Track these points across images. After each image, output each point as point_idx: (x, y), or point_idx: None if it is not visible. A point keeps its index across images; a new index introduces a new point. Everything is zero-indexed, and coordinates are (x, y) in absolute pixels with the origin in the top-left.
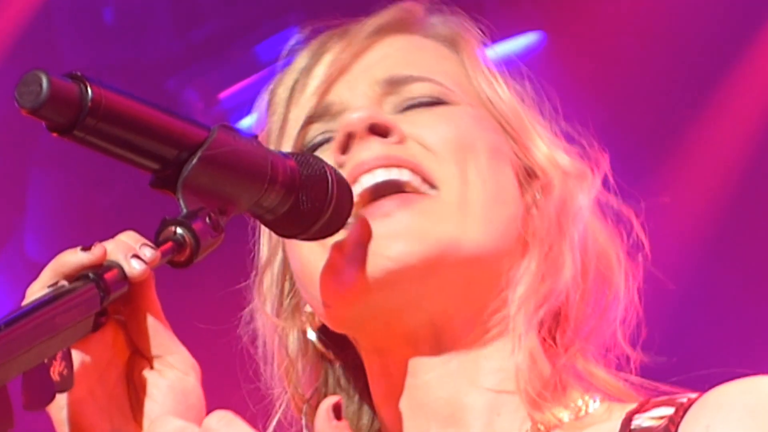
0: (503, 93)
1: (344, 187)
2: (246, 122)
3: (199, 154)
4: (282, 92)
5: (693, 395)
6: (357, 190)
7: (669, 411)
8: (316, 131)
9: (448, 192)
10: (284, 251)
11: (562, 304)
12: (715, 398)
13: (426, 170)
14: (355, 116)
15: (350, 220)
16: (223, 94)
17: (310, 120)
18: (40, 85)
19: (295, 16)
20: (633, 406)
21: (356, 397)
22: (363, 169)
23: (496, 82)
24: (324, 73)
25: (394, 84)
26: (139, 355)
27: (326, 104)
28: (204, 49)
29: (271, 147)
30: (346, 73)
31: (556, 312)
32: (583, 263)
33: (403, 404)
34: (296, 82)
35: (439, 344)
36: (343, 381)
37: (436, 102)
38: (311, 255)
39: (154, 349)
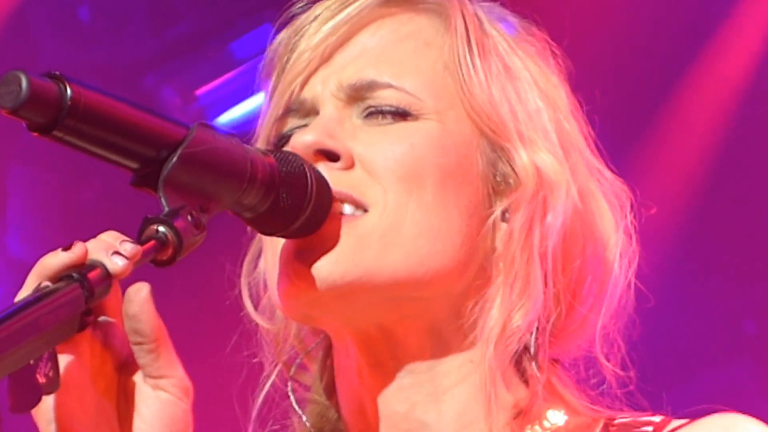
0: (483, 89)
1: (323, 185)
2: (224, 119)
3: (178, 152)
4: (275, 62)
5: (656, 419)
6: None
7: None
8: (290, 125)
9: (378, 217)
10: None
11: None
12: None
13: (366, 201)
14: (303, 141)
15: None
16: (200, 91)
17: (286, 112)
18: (20, 86)
19: (271, 13)
20: (597, 430)
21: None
22: None
23: (479, 74)
24: (304, 63)
25: (359, 90)
26: (132, 367)
27: (301, 99)
28: (180, 46)
29: (260, 122)
30: (323, 66)
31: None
32: (560, 279)
33: (364, 412)
34: (285, 58)
35: (392, 357)
36: (329, 360)
37: (398, 114)
38: (266, 259)
39: (154, 370)
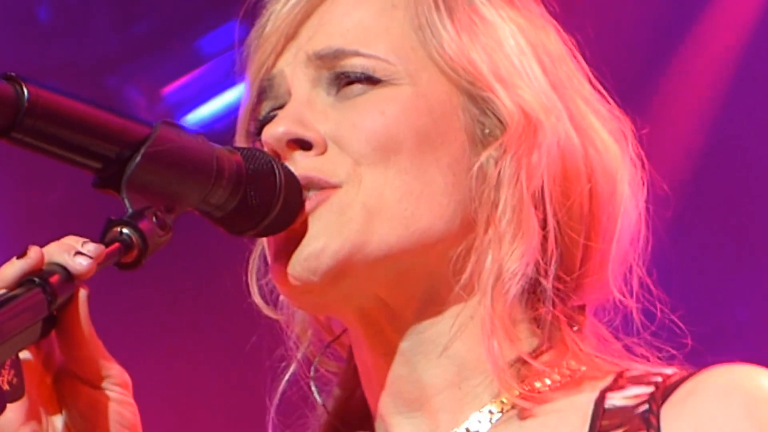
0: (455, 42)
1: (292, 180)
2: (191, 117)
3: (142, 151)
4: (248, 49)
5: (667, 371)
6: None
7: (644, 390)
8: (265, 109)
9: (355, 189)
10: None
11: (540, 266)
12: (696, 387)
13: (336, 179)
14: (274, 133)
15: None
16: (166, 90)
17: (259, 94)
18: None
19: (239, 7)
20: (607, 381)
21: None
22: None
23: (448, 29)
24: (271, 44)
25: (326, 60)
26: (68, 374)
27: (271, 78)
28: (144, 44)
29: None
30: (290, 44)
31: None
32: (564, 218)
33: (375, 384)
34: (253, 44)
35: (389, 323)
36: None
37: (368, 80)
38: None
39: (88, 369)
